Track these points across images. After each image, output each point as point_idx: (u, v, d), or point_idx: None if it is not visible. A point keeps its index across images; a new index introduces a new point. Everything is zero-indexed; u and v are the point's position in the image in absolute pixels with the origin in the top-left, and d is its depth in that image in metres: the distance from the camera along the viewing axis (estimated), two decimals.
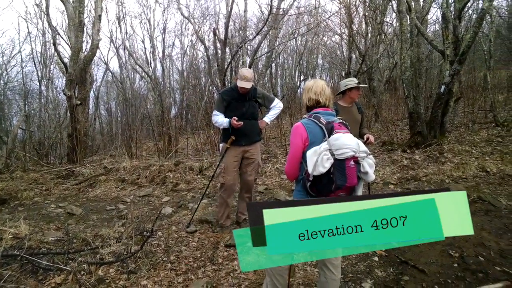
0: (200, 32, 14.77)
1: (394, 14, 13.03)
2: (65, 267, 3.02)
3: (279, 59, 19.26)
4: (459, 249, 3.45)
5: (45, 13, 9.60)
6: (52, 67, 14.86)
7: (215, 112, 3.98)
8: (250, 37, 12.26)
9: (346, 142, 2.02)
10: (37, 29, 16.35)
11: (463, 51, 6.39)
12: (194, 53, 18.54)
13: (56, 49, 9.16)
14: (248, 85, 3.73)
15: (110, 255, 3.37)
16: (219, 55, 10.85)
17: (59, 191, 6.25)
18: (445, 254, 3.38)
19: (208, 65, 13.63)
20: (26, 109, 12.30)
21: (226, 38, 10.72)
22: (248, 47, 13.98)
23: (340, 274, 2.44)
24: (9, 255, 3.04)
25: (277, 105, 4.10)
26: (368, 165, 2.10)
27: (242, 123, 3.73)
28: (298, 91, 18.22)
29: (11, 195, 5.75)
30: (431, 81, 10.62)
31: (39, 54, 14.48)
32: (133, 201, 5.71)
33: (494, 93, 9.17)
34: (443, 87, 6.84)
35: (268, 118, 4.11)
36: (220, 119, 3.88)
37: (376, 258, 3.42)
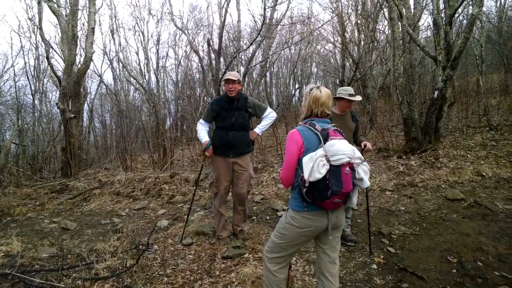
0: (194, 42, 14.87)
1: (386, 22, 13.16)
2: (58, 285, 2.95)
3: (273, 68, 19.37)
4: (457, 254, 3.44)
5: (38, 27, 9.62)
6: (45, 80, 14.84)
7: (201, 121, 3.97)
8: (244, 47, 12.32)
9: (341, 148, 2.02)
10: (30, 43, 16.27)
11: (455, 57, 6.45)
12: (189, 63, 18.61)
13: (49, 63, 9.15)
14: (234, 76, 3.68)
15: (105, 270, 3.30)
16: (214, 65, 10.87)
17: (53, 206, 6.16)
18: (443, 260, 3.36)
19: (203, 75, 13.65)
20: (20, 123, 12.20)
21: (220, 48, 10.76)
22: (242, 56, 14.07)
23: (339, 283, 2.41)
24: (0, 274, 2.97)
25: (269, 115, 3.93)
26: (363, 171, 2.10)
27: (210, 155, 3.81)
28: (293, 99, 18.30)
29: (4, 211, 5.65)
30: (424, 87, 10.69)
31: (32, 68, 14.47)
32: (129, 214, 5.64)
33: (487, 97, 9.24)
34: (436, 92, 6.88)
35: (259, 129, 3.95)
36: (201, 133, 3.91)
37: (374, 266, 3.39)
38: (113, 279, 3.14)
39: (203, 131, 3.92)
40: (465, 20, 12.33)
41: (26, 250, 3.88)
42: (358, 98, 3.81)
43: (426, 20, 24.31)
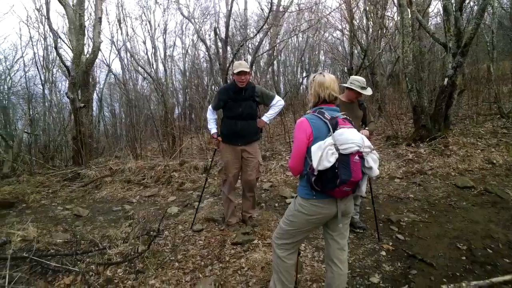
0: (201, 31, 14.80)
1: (395, 8, 12.92)
2: (73, 268, 3.04)
3: (280, 56, 19.20)
4: (467, 241, 3.45)
5: (46, 17, 9.63)
6: (54, 70, 14.90)
7: (210, 107, 4.09)
8: (251, 35, 12.27)
9: (350, 137, 2.02)
10: (39, 34, 16.39)
11: (466, 43, 6.34)
12: (196, 52, 18.58)
13: (58, 53, 9.18)
14: (246, 68, 3.68)
15: (117, 255, 3.39)
16: (221, 54, 10.86)
17: (65, 193, 6.27)
18: (452, 247, 3.38)
19: (210, 64, 13.65)
20: (31, 113, 12.35)
21: (227, 37, 10.74)
22: (250, 45, 14.00)
23: (347, 269, 2.45)
24: (18, 257, 3.07)
25: (277, 103, 3.94)
26: (372, 160, 2.11)
27: (219, 142, 3.94)
28: (301, 88, 18.18)
29: (18, 198, 5.78)
30: (434, 74, 10.52)
31: (41, 58, 14.52)
32: (139, 201, 5.73)
33: (498, 84, 9.09)
34: (446, 79, 6.79)
35: (267, 117, 3.96)
36: (210, 124, 4.10)
37: (383, 253, 3.42)
38: (126, 264, 3.23)
39: (211, 122, 4.07)
40: (476, 6, 12.02)
41: (41, 236, 3.98)
42: (369, 92, 3.73)
43: (436, 6, 23.87)
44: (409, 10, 7.32)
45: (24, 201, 5.73)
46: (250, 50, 13.99)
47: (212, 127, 4.06)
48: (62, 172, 7.34)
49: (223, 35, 10.86)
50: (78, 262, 3.21)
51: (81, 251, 3.44)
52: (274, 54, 15.57)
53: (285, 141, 8.73)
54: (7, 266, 2.74)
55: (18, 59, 15.07)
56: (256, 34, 11.74)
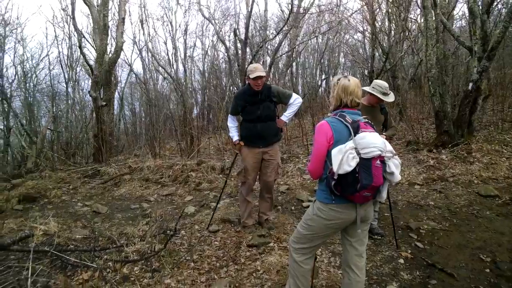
0: (220, 32, 14.86)
1: (418, 10, 12.65)
2: (91, 264, 3.10)
3: (299, 58, 19.10)
4: (491, 253, 3.33)
5: (71, 17, 9.90)
6: (78, 69, 15.28)
7: (229, 115, 4.11)
8: (271, 36, 12.23)
9: (372, 141, 1.98)
10: (64, 33, 16.83)
11: (492, 47, 6.14)
12: (215, 53, 18.66)
13: (81, 52, 9.41)
14: (262, 73, 3.63)
15: (134, 253, 3.43)
16: (240, 55, 10.87)
17: (85, 190, 6.41)
18: (475, 258, 3.27)
19: (229, 65, 13.68)
20: (54, 110, 12.69)
21: (246, 38, 10.74)
22: (269, 46, 13.97)
23: (365, 276, 2.40)
24: (40, 250, 3.14)
25: (295, 102, 3.86)
26: (394, 165, 2.06)
27: (241, 146, 3.93)
28: (320, 90, 18.02)
29: (41, 193, 5.95)
30: (457, 78, 10.24)
31: (65, 57, 14.91)
32: (157, 200, 5.80)
33: None
34: (470, 84, 6.60)
35: (286, 116, 3.93)
36: (231, 132, 4.11)
37: (401, 261, 3.34)
38: (142, 263, 3.26)
39: (232, 129, 4.09)
40: (504, 9, 11.66)
41: (61, 231, 4.08)
42: (391, 98, 3.62)
43: (460, 8, 23.25)
44: (433, 12, 7.15)
45: (46, 196, 5.90)
46: (269, 51, 13.98)
47: (234, 135, 4.05)
48: (83, 169, 7.52)
49: (242, 36, 10.88)
50: (96, 259, 3.26)
51: (99, 247, 3.51)
52: (293, 55, 15.50)
53: (302, 143, 8.67)
54: (30, 259, 2.81)
55: (44, 57, 15.49)
56: (275, 36, 11.71)
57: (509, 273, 2.99)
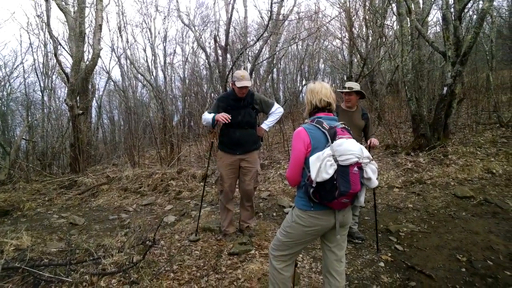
0: (201, 39, 14.84)
1: (394, 17, 12.99)
2: (66, 279, 2.98)
3: (280, 64, 19.26)
4: (467, 253, 3.40)
5: (46, 23, 9.68)
6: (54, 77, 14.92)
7: (207, 113, 3.75)
8: (251, 43, 12.30)
9: (349, 148, 1.98)
10: (39, 40, 16.52)
11: (465, 52, 6.35)
12: (196, 60, 18.63)
13: (57, 60, 9.19)
14: (248, 83, 3.60)
15: (112, 265, 3.32)
16: (220, 61, 10.85)
17: (61, 201, 6.22)
18: (452, 259, 3.33)
19: (210, 72, 13.66)
20: (29, 119, 12.33)
21: (227, 44, 10.75)
22: (249, 53, 14.04)
23: (345, 280, 2.40)
24: (10, 267, 3.01)
25: (276, 111, 3.91)
26: (371, 170, 2.07)
27: (229, 116, 3.53)
28: (300, 96, 18.20)
29: (14, 206, 5.73)
30: (433, 83, 10.54)
31: (41, 65, 14.56)
32: (136, 210, 5.68)
33: (498, 93, 9.10)
34: (445, 88, 6.79)
35: (266, 125, 3.94)
36: (206, 115, 3.68)
37: (382, 264, 3.37)
38: (120, 275, 3.17)
39: (207, 114, 3.72)
40: (475, 15, 12.12)
41: (35, 245, 3.92)
42: (353, 87, 3.77)
43: (435, 15, 24.03)
44: (408, 19, 7.35)
45: (20, 209, 5.69)
46: (249, 58, 14.03)
47: (209, 115, 3.65)
48: (59, 179, 7.30)
49: (223, 43, 10.87)
50: (72, 272, 3.14)
51: (75, 260, 3.38)
52: (274, 62, 15.61)
53: (283, 149, 8.70)
54: None
55: (18, 65, 15.16)
56: (256, 42, 11.78)
57: (483, 271, 3.05)
